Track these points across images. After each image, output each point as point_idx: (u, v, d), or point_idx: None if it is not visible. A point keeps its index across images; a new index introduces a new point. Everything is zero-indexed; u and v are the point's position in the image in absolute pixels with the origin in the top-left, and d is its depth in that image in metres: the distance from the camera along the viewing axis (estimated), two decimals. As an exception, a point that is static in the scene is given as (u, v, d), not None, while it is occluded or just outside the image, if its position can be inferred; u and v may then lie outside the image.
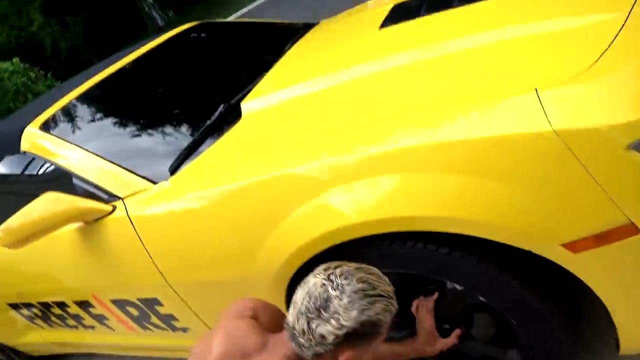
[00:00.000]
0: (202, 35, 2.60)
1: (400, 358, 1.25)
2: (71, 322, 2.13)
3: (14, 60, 6.37)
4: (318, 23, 2.42)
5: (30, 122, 1.85)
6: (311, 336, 0.90)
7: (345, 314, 0.88)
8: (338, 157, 1.10)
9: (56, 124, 1.83)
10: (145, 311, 1.72)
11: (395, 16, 1.68)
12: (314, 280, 0.93)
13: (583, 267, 0.96)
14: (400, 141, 1.02)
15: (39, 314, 2.21)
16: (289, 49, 2.02)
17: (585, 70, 0.96)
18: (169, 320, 1.71)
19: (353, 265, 0.94)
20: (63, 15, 21.39)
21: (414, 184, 0.99)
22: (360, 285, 0.90)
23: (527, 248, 0.96)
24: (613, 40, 1.02)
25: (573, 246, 0.93)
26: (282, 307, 1.33)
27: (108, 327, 1.99)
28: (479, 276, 1.04)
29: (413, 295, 1.22)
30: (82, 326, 2.13)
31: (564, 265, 0.96)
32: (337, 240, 1.08)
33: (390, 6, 1.82)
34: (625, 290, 0.99)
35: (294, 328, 0.93)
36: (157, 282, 1.51)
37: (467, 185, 0.95)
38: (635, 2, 1.12)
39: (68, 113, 1.90)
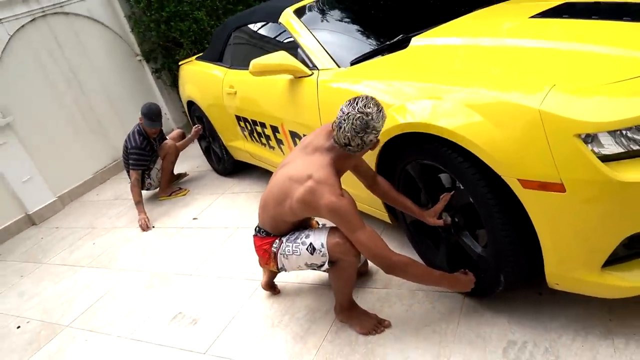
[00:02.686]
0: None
1: (407, 210, 2.06)
2: (263, 140, 3.26)
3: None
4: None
5: (290, 5, 2.85)
6: (360, 143, 1.75)
7: (380, 124, 1.72)
8: (428, 84, 1.81)
9: (303, 13, 2.80)
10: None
11: (550, 11, 2.15)
12: (352, 113, 1.73)
13: (527, 200, 1.54)
14: (460, 88, 1.69)
15: (248, 127, 3.40)
16: (478, 8, 2.62)
17: (588, 88, 1.47)
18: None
19: (361, 98, 1.74)
20: None
21: (452, 111, 1.66)
22: (376, 108, 1.72)
23: (499, 172, 1.57)
24: (629, 79, 1.47)
25: (524, 182, 1.52)
26: (374, 167, 2.14)
27: (281, 150, 3.06)
28: (473, 183, 1.69)
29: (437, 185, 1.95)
30: (268, 146, 3.25)
31: (516, 194, 1.56)
32: (405, 130, 1.82)
33: (560, 1, 2.27)
34: (551, 230, 1.55)
35: (348, 143, 1.77)
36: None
37: (481, 122, 1.58)
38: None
39: (314, 8, 2.85)
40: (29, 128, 4.97)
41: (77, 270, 3.57)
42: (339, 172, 1.89)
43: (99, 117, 5.66)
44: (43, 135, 5.09)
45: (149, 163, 4.26)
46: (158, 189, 4.45)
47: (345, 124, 1.73)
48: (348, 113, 1.73)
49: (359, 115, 1.71)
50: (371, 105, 1.72)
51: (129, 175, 4.25)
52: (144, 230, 3.85)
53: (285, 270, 2.07)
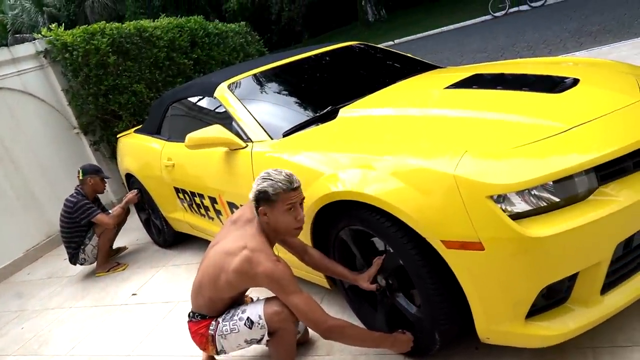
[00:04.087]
0: (357, 50, 3.50)
1: (341, 276, 2.11)
2: (202, 211, 3.26)
3: (240, 24, 8.09)
4: (438, 67, 3.17)
5: (224, 80, 2.97)
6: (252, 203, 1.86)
7: (254, 186, 1.85)
8: (356, 155, 1.92)
9: (237, 87, 2.92)
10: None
11: (462, 82, 2.37)
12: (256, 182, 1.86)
13: (451, 260, 1.63)
14: (386, 157, 1.80)
15: (187, 199, 3.39)
16: (398, 80, 2.83)
17: (496, 153, 1.62)
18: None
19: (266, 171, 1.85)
20: (295, -11, 24.11)
21: (380, 179, 1.76)
22: (262, 174, 1.83)
23: (424, 235, 1.66)
24: (532, 142, 1.64)
25: (447, 243, 1.62)
26: (308, 235, 2.19)
27: (220, 220, 3.06)
28: (401, 246, 1.77)
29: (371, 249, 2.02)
30: (207, 217, 3.24)
31: (441, 254, 1.65)
32: (336, 198, 1.90)
33: (470, 74, 2.50)
34: (476, 286, 1.64)
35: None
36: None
37: (405, 189, 1.69)
38: (579, 125, 1.70)
39: (247, 82, 2.98)
40: (-47, 207, 4.70)
41: (1, 359, 3.30)
42: (270, 241, 1.93)
43: (32, 191, 5.44)
44: (-31, 215, 4.82)
45: (84, 238, 4.11)
46: (94, 264, 4.27)
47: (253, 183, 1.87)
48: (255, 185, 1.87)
49: (263, 174, 1.85)
50: (269, 172, 1.86)
51: (72, 251, 4.10)
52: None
53: (225, 352, 2.03)
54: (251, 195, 1.87)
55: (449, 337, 1.87)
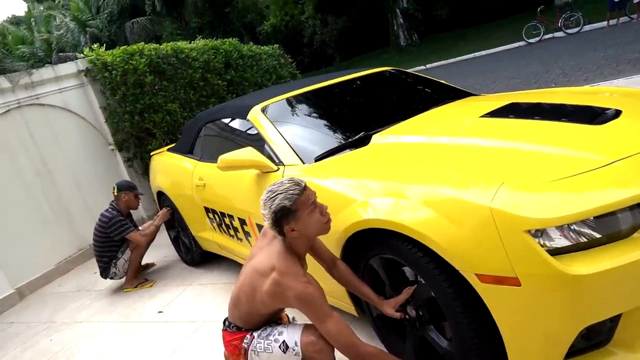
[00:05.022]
0: (390, 76, 3.50)
1: (367, 298, 2.07)
2: (231, 232, 3.27)
3: (273, 46, 8.24)
4: (472, 94, 3.13)
5: (257, 103, 3.00)
6: (272, 230, 1.81)
7: (265, 212, 1.80)
8: (389, 182, 1.89)
9: (270, 110, 2.94)
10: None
11: (497, 111, 2.33)
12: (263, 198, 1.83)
13: (485, 294, 1.58)
14: (419, 185, 1.78)
15: (217, 219, 3.42)
16: (431, 107, 2.81)
17: (534, 185, 1.58)
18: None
19: (268, 188, 1.82)
20: (328, 13, 24.59)
21: (412, 208, 1.73)
22: (265, 196, 1.79)
23: (456, 267, 1.62)
24: (572, 175, 1.59)
25: (481, 277, 1.57)
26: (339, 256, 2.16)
27: (249, 242, 3.06)
28: (433, 277, 1.72)
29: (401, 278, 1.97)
30: (236, 237, 3.25)
31: (475, 288, 1.60)
32: (367, 226, 1.88)
33: (505, 102, 2.46)
34: (511, 323, 1.58)
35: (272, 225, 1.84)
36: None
37: (437, 218, 1.65)
38: (622, 159, 1.64)
39: (279, 105, 3.01)
40: (-9, 218, 4.86)
41: (30, 371, 3.35)
42: (298, 256, 1.91)
43: (67, 205, 5.59)
44: (4, 225, 4.97)
45: (116, 252, 4.19)
46: (124, 279, 4.33)
47: (261, 204, 1.84)
48: (262, 198, 1.84)
49: (265, 196, 1.82)
50: (270, 189, 1.83)
51: (103, 265, 4.18)
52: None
53: None
54: (268, 222, 1.81)
55: (481, 374, 1.80)
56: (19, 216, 5.12)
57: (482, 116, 2.31)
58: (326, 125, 2.91)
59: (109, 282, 4.51)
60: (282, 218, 1.79)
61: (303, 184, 1.82)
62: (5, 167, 5.09)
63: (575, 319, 1.51)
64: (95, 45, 5.85)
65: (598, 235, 1.50)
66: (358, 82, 3.29)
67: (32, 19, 28.65)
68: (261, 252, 1.96)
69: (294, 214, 1.79)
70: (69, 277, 5.26)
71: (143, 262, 4.52)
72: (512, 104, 2.44)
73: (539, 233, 1.49)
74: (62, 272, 5.40)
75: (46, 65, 5.81)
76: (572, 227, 1.51)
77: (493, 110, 2.36)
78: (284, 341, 1.89)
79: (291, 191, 1.79)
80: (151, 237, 4.29)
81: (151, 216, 5.76)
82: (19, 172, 5.20)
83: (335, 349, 1.84)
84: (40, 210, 5.33)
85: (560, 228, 1.50)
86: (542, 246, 1.49)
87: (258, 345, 1.94)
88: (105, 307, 4.08)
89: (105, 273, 4.26)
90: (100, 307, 4.09)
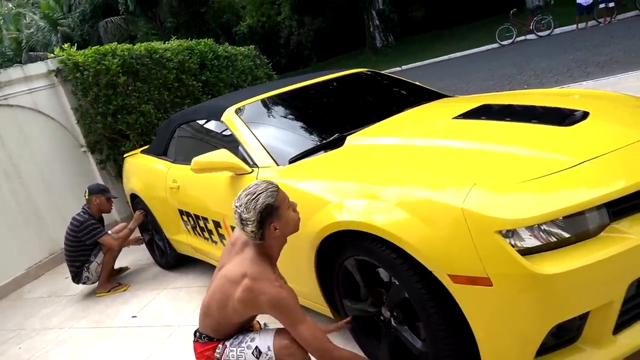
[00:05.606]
0: (365, 78, 3.51)
1: None
2: (206, 234, 3.23)
3: (249, 47, 8.19)
4: (446, 96, 3.17)
5: (232, 105, 2.97)
6: (253, 235, 1.77)
7: (249, 215, 1.74)
8: (363, 184, 1.89)
9: (244, 111, 2.92)
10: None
11: (470, 113, 2.36)
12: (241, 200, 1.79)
13: (458, 295, 1.60)
14: (392, 187, 1.78)
15: (191, 222, 3.37)
16: (406, 108, 2.82)
17: (505, 186, 1.60)
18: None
19: (244, 192, 1.79)
20: (305, 14, 24.58)
21: (385, 209, 1.73)
22: (245, 199, 1.75)
23: (429, 268, 1.63)
24: (542, 176, 1.62)
25: (454, 278, 1.58)
26: (312, 263, 2.15)
27: (223, 244, 3.03)
28: (406, 279, 1.73)
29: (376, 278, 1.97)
30: (211, 240, 3.22)
31: (448, 288, 1.61)
32: (341, 227, 1.88)
33: (478, 104, 2.49)
34: (483, 322, 1.59)
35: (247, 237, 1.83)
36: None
37: (410, 220, 1.66)
38: (590, 159, 1.68)
39: (254, 106, 2.99)
40: (-43, 223, 4.70)
41: (-3, 380, 3.24)
42: (271, 261, 1.89)
43: (37, 208, 5.44)
44: (-28, 230, 4.81)
45: (89, 256, 4.09)
46: (96, 283, 4.23)
47: (239, 211, 1.78)
48: (239, 204, 1.79)
49: (246, 199, 1.78)
50: (248, 192, 1.81)
51: (75, 270, 4.09)
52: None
53: None
54: (251, 226, 1.77)
55: (455, 374, 1.81)
56: (-14, 220, 4.96)
57: (455, 117, 2.34)
58: (301, 126, 2.90)
59: (80, 287, 4.42)
60: (267, 217, 1.77)
61: (276, 183, 1.84)
62: (-28, 170, 4.93)
63: (546, 317, 1.53)
64: (67, 45, 5.71)
65: (567, 235, 1.53)
66: (333, 84, 3.29)
67: (1, 17, 27.86)
68: (231, 261, 1.94)
69: (277, 211, 1.78)
70: (40, 283, 5.13)
71: (116, 266, 4.44)
72: (485, 105, 2.47)
73: (510, 233, 1.51)
74: (33, 277, 5.26)
75: (15, 65, 5.64)
76: (542, 227, 1.53)
77: (466, 112, 2.39)
78: (256, 347, 1.88)
79: (270, 189, 1.79)
80: (124, 241, 4.21)
81: (125, 219, 5.65)
82: (-14, 175, 5.05)
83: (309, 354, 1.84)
84: (10, 213, 5.17)
85: (530, 228, 1.52)
86: (512, 246, 1.51)
87: (231, 353, 1.92)
88: (78, 312, 3.98)
89: (77, 278, 4.16)
90: (72, 313, 3.99)
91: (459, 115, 2.36)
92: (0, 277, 4.99)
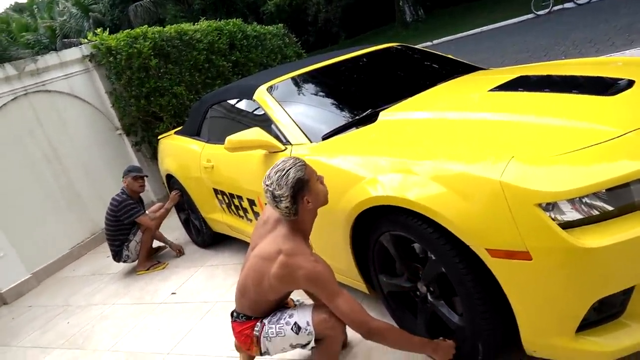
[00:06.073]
0: (396, 52, 3.45)
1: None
2: (241, 212, 3.28)
3: (278, 26, 8.14)
4: (480, 68, 3.09)
5: (263, 83, 2.98)
6: (288, 210, 1.79)
7: (282, 192, 1.77)
8: (397, 159, 1.88)
9: (276, 90, 2.92)
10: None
11: (506, 85, 2.29)
12: (271, 178, 1.82)
13: (496, 269, 1.58)
14: (427, 161, 1.76)
15: (226, 201, 3.43)
16: (439, 82, 2.77)
17: (545, 158, 1.55)
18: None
19: (273, 170, 1.82)
20: (333, -10, 24.08)
21: (421, 184, 1.72)
22: (275, 176, 1.78)
23: (467, 242, 1.61)
24: (583, 148, 1.56)
25: (491, 252, 1.56)
26: (348, 240, 2.16)
27: (259, 222, 3.07)
28: (443, 253, 1.72)
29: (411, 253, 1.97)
30: (246, 218, 3.27)
31: (486, 263, 1.59)
32: (376, 203, 1.87)
33: (515, 76, 2.42)
34: (522, 297, 1.57)
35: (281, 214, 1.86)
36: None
37: (447, 194, 1.64)
38: (634, 130, 1.61)
39: (285, 84, 2.98)
40: (4, 204, 4.91)
41: (48, 352, 3.42)
42: (305, 236, 1.92)
43: (77, 191, 5.64)
44: (19, 212, 5.03)
45: (128, 234, 4.24)
46: (136, 262, 4.38)
47: (271, 189, 1.81)
48: (270, 182, 1.81)
49: (276, 176, 1.80)
50: (277, 168, 1.83)
51: (115, 248, 4.24)
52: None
53: (269, 354, 2.02)
54: (284, 202, 1.79)
55: (493, 348, 1.80)
56: (33, 203, 5.18)
57: (491, 90, 2.27)
58: (333, 103, 2.88)
59: (121, 266, 4.57)
60: (299, 191, 1.80)
61: (302, 158, 1.88)
62: (17, 155, 5.13)
63: (587, 292, 1.50)
64: (99, 30, 5.82)
65: (610, 208, 1.48)
66: (364, 59, 3.25)
67: (35, 6, 28.52)
68: (264, 240, 1.97)
69: (308, 185, 1.82)
70: (83, 262, 5.34)
71: (154, 245, 4.57)
72: (522, 77, 2.40)
73: (550, 206, 1.48)
74: (76, 257, 5.48)
75: (51, 52, 5.79)
76: (583, 200, 1.49)
77: (502, 84, 2.32)
78: (295, 322, 1.91)
79: (298, 163, 1.83)
80: (161, 220, 4.34)
81: (161, 199, 5.80)
82: (30, 159, 5.24)
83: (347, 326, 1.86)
84: (53, 197, 5.38)
85: (571, 201, 1.48)
86: (553, 220, 1.47)
87: (270, 330, 1.96)
88: (119, 289, 4.14)
89: (118, 256, 4.32)
90: (114, 290, 4.15)
91: (494, 88, 2.29)
92: (46, 257, 5.22)
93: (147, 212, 4.38)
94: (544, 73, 2.43)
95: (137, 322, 3.41)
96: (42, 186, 5.30)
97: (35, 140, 5.33)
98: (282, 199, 1.79)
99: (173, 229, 5.02)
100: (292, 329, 1.91)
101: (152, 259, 4.48)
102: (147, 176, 4.48)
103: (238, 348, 2.21)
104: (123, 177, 4.26)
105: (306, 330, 1.88)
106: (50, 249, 5.27)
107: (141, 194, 4.42)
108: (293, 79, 3.02)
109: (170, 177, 4.39)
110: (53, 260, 5.28)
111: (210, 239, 4.21)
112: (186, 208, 4.40)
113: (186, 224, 4.61)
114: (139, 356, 2.94)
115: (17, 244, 4.92)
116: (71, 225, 5.51)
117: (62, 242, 5.41)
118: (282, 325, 1.94)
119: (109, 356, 3.07)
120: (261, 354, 2.04)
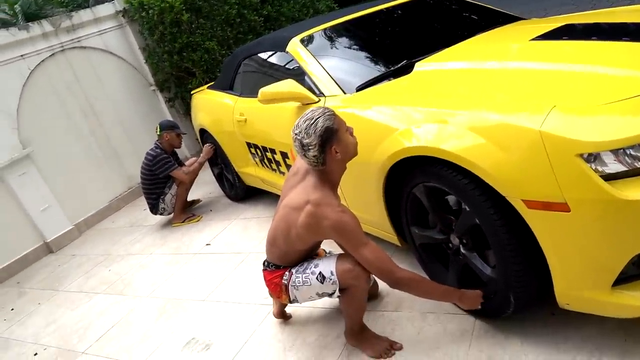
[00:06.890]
0: (432, 2, 3.33)
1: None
2: (273, 166, 3.32)
3: (310, -22, 7.92)
4: (522, 19, 2.95)
5: (296, 35, 2.93)
6: (315, 160, 1.80)
7: (310, 140, 1.77)
8: (432, 109, 1.84)
9: (309, 41, 2.88)
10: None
11: (550, 34, 2.19)
12: (300, 126, 1.80)
13: (532, 221, 1.55)
14: (464, 111, 1.72)
15: (259, 154, 3.46)
16: (477, 33, 2.67)
17: (588, 108, 1.49)
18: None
19: (301, 119, 1.81)
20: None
21: (457, 134, 1.68)
22: (304, 125, 1.78)
23: (503, 193, 1.59)
24: (630, 97, 1.49)
25: (528, 203, 1.54)
26: (381, 191, 2.16)
27: (292, 175, 3.09)
28: (478, 205, 1.70)
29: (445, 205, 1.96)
30: (279, 171, 3.30)
31: (521, 214, 1.57)
32: (410, 154, 1.85)
33: (560, 24, 2.30)
34: (558, 249, 1.55)
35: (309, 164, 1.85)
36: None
37: (484, 144, 1.61)
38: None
39: (318, 36, 2.93)
40: (47, 158, 5.11)
41: (92, 297, 3.62)
42: (333, 187, 1.92)
43: (114, 146, 5.79)
44: (61, 165, 5.22)
45: (164, 188, 4.35)
46: (172, 215, 4.52)
47: (299, 137, 1.80)
48: (299, 131, 1.81)
49: (305, 124, 1.79)
50: (306, 117, 1.82)
51: (152, 202, 4.39)
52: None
53: (298, 302, 2.09)
54: (312, 151, 1.79)
55: (525, 300, 1.80)
56: (73, 158, 5.36)
57: (533, 39, 2.17)
58: (367, 55, 2.82)
59: (158, 218, 4.73)
60: (327, 140, 1.79)
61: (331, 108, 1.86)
62: (57, 110, 5.28)
63: (627, 246, 1.46)
64: (131, -16, 5.79)
65: (656, 160, 1.42)
66: (399, 10, 3.14)
67: (68, -38, 28.49)
68: (293, 190, 1.98)
69: (336, 134, 1.80)
70: (121, 214, 5.54)
71: (189, 199, 4.69)
72: (567, 25, 2.28)
73: (592, 157, 1.43)
74: (115, 210, 5.69)
75: (84, 8, 5.84)
76: (627, 152, 1.43)
77: (545, 33, 2.21)
78: (320, 272, 1.95)
79: (327, 112, 1.81)
80: (194, 174, 4.43)
81: (194, 155, 5.90)
82: (69, 115, 5.39)
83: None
84: (91, 151, 5.55)
85: (615, 152, 1.42)
86: (595, 171, 1.43)
87: (297, 279, 2.01)
88: (157, 240, 4.29)
89: (154, 209, 4.46)
90: (152, 241, 4.31)
91: (537, 37, 2.19)
92: (87, 209, 5.45)
93: (184, 164, 4.48)
94: (592, 21, 2.30)
95: (173, 270, 3.55)
96: (81, 140, 5.47)
97: (74, 96, 5.45)
98: (310, 147, 1.79)
99: (207, 183, 5.13)
100: (317, 278, 1.95)
101: (187, 211, 4.61)
102: (185, 133, 4.56)
103: (272, 295, 2.28)
104: (163, 130, 4.30)
105: (330, 279, 1.92)
106: (90, 201, 5.49)
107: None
108: (326, 30, 2.96)
109: (203, 132, 4.45)
110: (93, 212, 5.50)
111: (243, 193, 4.29)
112: (219, 162, 4.47)
113: (219, 178, 4.69)
114: (176, 302, 3.07)
115: (59, 197, 5.13)
116: (109, 178, 5.69)
117: (101, 195, 5.61)
118: (308, 274, 1.98)
119: (148, 301, 3.22)
120: (290, 302, 2.10)
